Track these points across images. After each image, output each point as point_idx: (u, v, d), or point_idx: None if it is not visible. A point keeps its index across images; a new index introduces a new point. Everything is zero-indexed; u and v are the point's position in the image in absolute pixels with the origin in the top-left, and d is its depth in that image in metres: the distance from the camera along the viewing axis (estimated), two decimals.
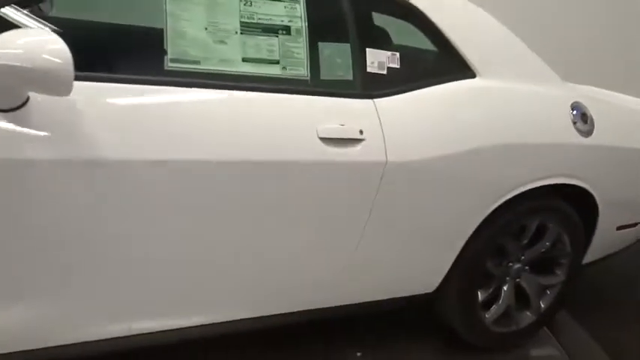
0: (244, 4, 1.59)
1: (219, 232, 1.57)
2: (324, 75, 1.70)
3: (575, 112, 2.10)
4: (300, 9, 1.66)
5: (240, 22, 1.58)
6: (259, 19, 1.61)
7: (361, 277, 1.87)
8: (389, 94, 1.76)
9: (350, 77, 1.74)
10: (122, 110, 1.41)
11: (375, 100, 1.73)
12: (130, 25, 1.93)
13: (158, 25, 1.49)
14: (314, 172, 1.62)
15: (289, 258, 1.71)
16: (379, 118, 1.71)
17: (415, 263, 1.95)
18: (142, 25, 1.82)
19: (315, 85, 1.68)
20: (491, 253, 2.08)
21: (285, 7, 1.65)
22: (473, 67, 1.93)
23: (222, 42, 1.55)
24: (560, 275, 2.27)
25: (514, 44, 2.12)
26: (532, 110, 2.01)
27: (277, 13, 1.63)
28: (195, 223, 1.52)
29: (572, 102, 2.12)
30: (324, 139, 1.61)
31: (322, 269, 1.79)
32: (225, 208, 1.54)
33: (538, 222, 2.12)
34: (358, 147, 1.66)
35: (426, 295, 2.03)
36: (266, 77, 1.61)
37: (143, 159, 1.40)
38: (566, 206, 2.16)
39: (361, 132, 1.67)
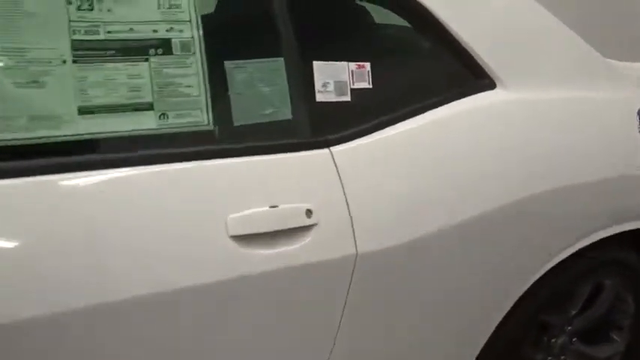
0: (78, 8, 0.87)
1: None
2: (240, 118, 1.01)
3: None
4: (188, 6, 0.94)
5: (72, 40, 0.87)
6: (109, 32, 0.90)
7: None
8: (356, 136, 1.09)
9: (287, 115, 1.04)
10: None
11: (334, 148, 1.06)
12: None
13: None
14: (231, 291, 0.98)
15: None
16: (340, 181, 1.04)
17: None
18: None
19: (225, 138, 1.01)
20: (527, 339, 1.51)
21: (159, 4, 0.93)
22: (490, 72, 1.25)
23: (33, 83, 0.85)
24: (619, 343, 1.70)
25: (549, 28, 1.39)
26: (583, 134, 1.36)
27: (145, 19, 0.93)
28: None
29: (639, 108, 1.44)
30: (238, 239, 0.93)
31: None
32: None
33: (592, 282, 1.55)
34: (306, 239, 1.00)
35: None
36: (128, 137, 0.92)
37: None
38: (632, 256, 1.56)
39: (309, 213, 1.00)
